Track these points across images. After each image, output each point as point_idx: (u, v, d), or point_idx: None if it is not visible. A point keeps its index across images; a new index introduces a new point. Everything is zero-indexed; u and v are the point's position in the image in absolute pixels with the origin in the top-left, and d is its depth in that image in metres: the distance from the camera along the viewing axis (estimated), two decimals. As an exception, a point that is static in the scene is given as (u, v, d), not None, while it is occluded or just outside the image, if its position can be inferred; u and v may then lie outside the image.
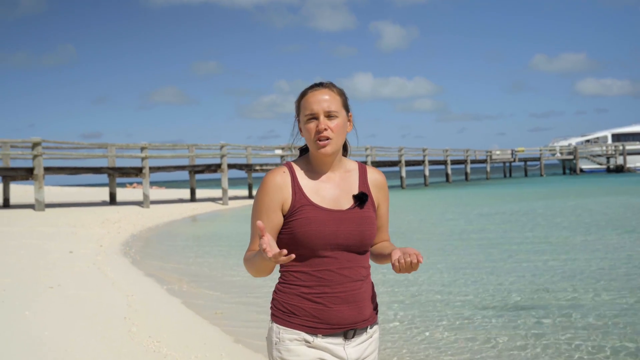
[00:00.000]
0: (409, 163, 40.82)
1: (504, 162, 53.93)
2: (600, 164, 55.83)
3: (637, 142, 57.13)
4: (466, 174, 48.39)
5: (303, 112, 1.89)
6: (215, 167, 28.52)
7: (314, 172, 1.92)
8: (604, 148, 55.92)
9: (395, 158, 39.52)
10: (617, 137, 59.85)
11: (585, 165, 56.19)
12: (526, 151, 53.76)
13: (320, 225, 1.81)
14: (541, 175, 52.51)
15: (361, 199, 1.89)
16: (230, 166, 29.16)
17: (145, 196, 23.91)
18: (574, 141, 59.59)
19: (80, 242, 12.44)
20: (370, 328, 1.92)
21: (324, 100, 1.87)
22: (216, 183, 36.97)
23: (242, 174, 33.08)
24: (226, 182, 28.04)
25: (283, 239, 1.87)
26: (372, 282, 1.96)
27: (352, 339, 1.87)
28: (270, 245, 1.66)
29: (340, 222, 1.84)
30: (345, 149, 2.00)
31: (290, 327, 1.84)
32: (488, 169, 52.01)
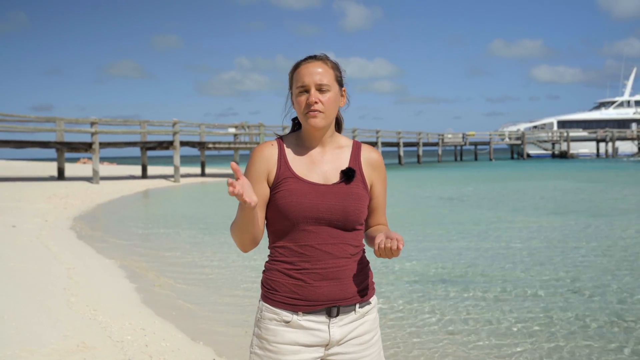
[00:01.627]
0: (362, 144, 41.34)
1: (455, 146, 55.28)
2: (546, 150, 57.96)
3: (581, 129, 59.51)
4: (418, 156, 49.41)
5: (295, 85, 1.85)
6: (168, 144, 28.35)
7: (303, 147, 1.88)
8: (550, 134, 58.00)
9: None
10: (562, 124, 62.16)
11: (532, 150, 58.21)
12: (476, 135, 55.21)
13: (300, 197, 1.78)
14: (490, 159, 54.10)
15: (347, 174, 1.84)
16: (183, 143, 29.05)
17: (95, 172, 23.66)
18: (522, 127, 61.55)
19: (25, 216, 12.40)
20: (361, 307, 1.86)
21: (317, 73, 1.82)
22: (169, 160, 36.70)
23: (195, 151, 32.97)
24: (178, 159, 27.94)
25: (270, 213, 1.85)
26: (366, 262, 1.92)
27: (337, 317, 1.82)
28: (244, 187, 1.64)
29: (323, 195, 1.80)
30: (339, 125, 1.96)
31: (272, 305, 1.82)
32: (440, 152, 53.23)
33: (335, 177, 1.85)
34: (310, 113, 1.81)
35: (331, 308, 1.80)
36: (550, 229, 10.61)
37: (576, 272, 6.94)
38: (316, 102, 1.80)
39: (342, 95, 1.90)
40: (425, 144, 50.63)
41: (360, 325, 1.85)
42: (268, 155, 1.85)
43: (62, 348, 4.05)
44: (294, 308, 1.80)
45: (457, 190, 20.39)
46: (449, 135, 53.32)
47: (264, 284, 1.88)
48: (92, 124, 24.49)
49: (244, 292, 6.33)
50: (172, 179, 27.71)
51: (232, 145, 31.21)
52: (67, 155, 26.00)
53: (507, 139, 57.01)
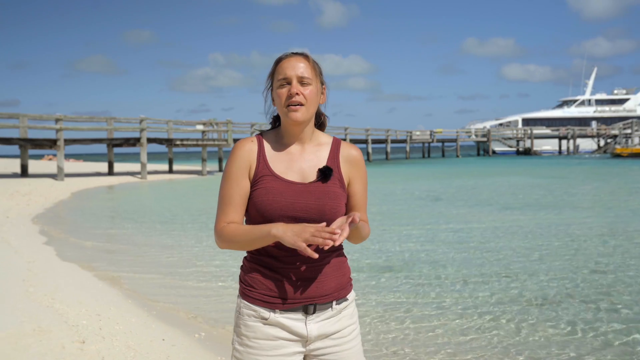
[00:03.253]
0: (330, 141, 41.82)
1: (424, 143, 56.11)
2: (511, 147, 59.29)
3: (544, 127, 61.04)
4: (387, 153, 50.06)
5: (276, 78, 1.84)
6: (135, 141, 28.24)
7: (282, 144, 1.88)
8: (515, 131, 59.36)
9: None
10: (526, 122, 63.62)
11: (497, 147, 59.48)
12: (444, 132, 56.15)
13: (277, 195, 1.78)
14: (457, 156, 55.09)
15: (324, 173, 1.83)
16: (150, 140, 28.96)
17: (60, 169, 23.48)
18: (488, 124, 62.86)
19: (-14, 212, 12.36)
20: (337, 304, 1.86)
21: (299, 67, 1.81)
22: (136, 157, 36.49)
23: (163, 148, 32.88)
24: (145, 156, 27.87)
25: (248, 209, 1.84)
26: (344, 259, 1.92)
27: (314, 315, 1.82)
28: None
29: (299, 194, 1.79)
30: (321, 123, 1.96)
31: (250, 302, 1.83)
32: (408, 149, 53.99)
33: (313, 175, 1.84)
34: (292, 107, 1.79)
35: (307, 306, 1.81)
36: (504, 221, 11.10)
37: (525, 261, 7.38)
38: (297, 94, 1.79)
39: (322, 93, 1.90)
40: (393, 141, 51.32)
41: (337, 322, 1.86)
42: (248, 151, 1.84)
43: (18, 332, 4.25)
44: (271, 306, 1.80)
45: (419, 186, 20.90)
46: (417, 133, 54.11)
47: (242, 281, 1.87)
48: (57, 120, 24.27)
49: (196, 280, 6.61)
50: (139, 176, 27.63)
51: (199, 142, 31.23)
52: (32, 152, 25.74)
53: (473, 136, 58.14)
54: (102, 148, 29.99)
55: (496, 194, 17.26)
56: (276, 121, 1.94)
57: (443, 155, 58.47)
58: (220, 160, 34.38)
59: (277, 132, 1.91)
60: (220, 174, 32.58)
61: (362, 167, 1.94)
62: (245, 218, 1.88)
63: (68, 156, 49.18)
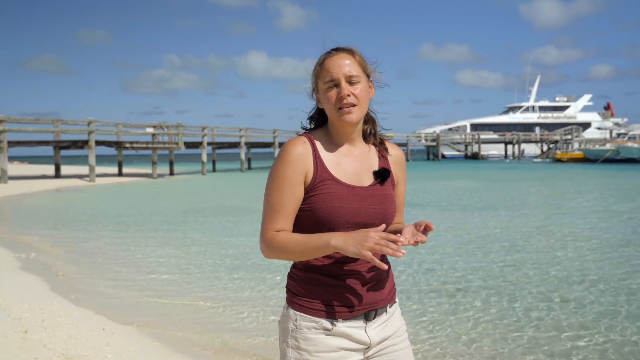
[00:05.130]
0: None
1: (375, 147, 56.86)
2: (459, 151, 61.04)
3: (491, 132, 63.14)
4: None
5: (322, 80, 1.73)
6: (82, 144, 27.88)
7: (334, 144, 1.77)
8: (463, 136, 61.15)
9: (269, 139, 40.77)
10: (474, 127, 65.60)
11: (446, 151, 61.11)
12: (394, 137, 57.25)
13: (342, 201, 1.68)
14: (407, 160, 56.28)
15: (383, 175, 1.77)
16: (99, 143, 28.64)
17: (3, 171, 23.03)
18: (438, 129, 64.45)
19: None
20: (390, 307, 1.82)
21: (345, 65, 1.71)
22: (85, 160, 35.89)
23: (112, 151, 32.50)
24: (93, 158, 27.55)
25: (302, 215, 1.72)
26: (389, 262, 1.87)
27: (374, 320, 1.76)
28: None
29: (363, 199, 1.71)
30: (373, 121, 1.85)
31: (309, 314, 1.71)
32: (359, 153, 54.64)
33: (367, 178, 1.76)
34: (345, 109, 1.70)
35: (369, 312, 1.75)
36: (445, 222, 11.73)
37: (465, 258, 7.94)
38: (348, 95, 1.70)
39: (370, 87, 1.79)
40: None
41: (392, 324, 1.82)
42: (303, 155, 1.71)
43: (-39, 324, 4.45)
44: (333, 315, 1.70)
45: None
46: (368, 137, 54.86)
47: (294, 292, 1.76)
48: (0, 121, 23.77)
49: (136, 273, 6.88)
50: (87, 179, 27.29)
51: (150, 145, 31.04)
52: (-27, 154, 25.06)
53: (423, 141, 59.51)
54: (49, 150, 29.45)
55: (439, 197, 18.01)
56: (317, 120, 1.83)
57: (394, 159, 59.46)
58: (171, 163, 34.22)
59: (325, 131, 1.79)
60: (172, 177, 32.43)
61: (405, 168, 1.90)
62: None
63: (12, 158, 47.80)
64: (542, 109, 68.10)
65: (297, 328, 1.71)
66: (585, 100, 69.32)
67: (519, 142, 59.20)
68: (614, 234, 9.71)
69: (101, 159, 32.64)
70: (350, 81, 1.71)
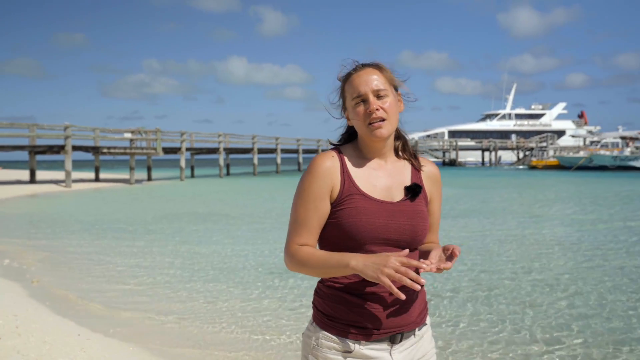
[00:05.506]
0: (262, 151, 42.21)
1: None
2: (437, 158, 61.56)
3: (469, 139, 63.88)
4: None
5: (350, 96, 1.72)
6: (59, 149, 27.52)
7: (364, 159, 1.74)
8: (441, 143, 61.75)
9: (249, 145, 40.70)
10: (452, 134, 66.34)
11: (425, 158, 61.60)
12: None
13: (370, 216, 1.64)
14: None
15: (414, 190, 1.72)
16: (76, 148, 28.31)
17: (-24, 176, 22.58)
18: (416, 135, 64.99)
19: None
20: (419, 330, 1.75)
21: (372, 80, 1.69)
22: (62, 165, 35.41)
23: (89, 156, 32.14)
24: (70, 164, 27.22)
25: (328, 230, 1.69)
26: (424, 281, 1.75)
27: (400, 343, 1.70)
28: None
29: (392, 214, 1.67)
30: (404, 137, 1.83)
31: (332, 333, 1.68)
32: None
33: (398, 193, 1.72)
34: (375, 124, 1.68)
35: (395, 335, 1.68)
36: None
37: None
38: (377, 110, 1.67)
39: (399, 100, 1.77)
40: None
41: (420, 348, 1.75)
42: (331, 169, 1.69)
43: None
44: (357, 337, 1.66)
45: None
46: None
47: (320, 309, 1.73)
48: (-26, 126, 23.36)
49: (111, 280, 6.83)
50: (63, 184, 26.94)
51: (128, 151, 30.75)
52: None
53: (402, 148, 59.90)
54: (24, 155, 29.00)
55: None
56: (347, 135, 1.82)
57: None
58: (149, 169, 33.95)
59: (354, 146, 1.77)
60: (150, 183, 32.16)
61: (440, 185, 1.85)
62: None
63: (-14, 163, 46.91)
64: (518, 116, 69.14)
65: (318, 346, 1.69)
66: (559, 108, 70.61)
67: (495, 149, 59.96)
68: (587, 240, 9.91)
69: (78, 164, 32.24)
70: (378, 95, 1.69)
